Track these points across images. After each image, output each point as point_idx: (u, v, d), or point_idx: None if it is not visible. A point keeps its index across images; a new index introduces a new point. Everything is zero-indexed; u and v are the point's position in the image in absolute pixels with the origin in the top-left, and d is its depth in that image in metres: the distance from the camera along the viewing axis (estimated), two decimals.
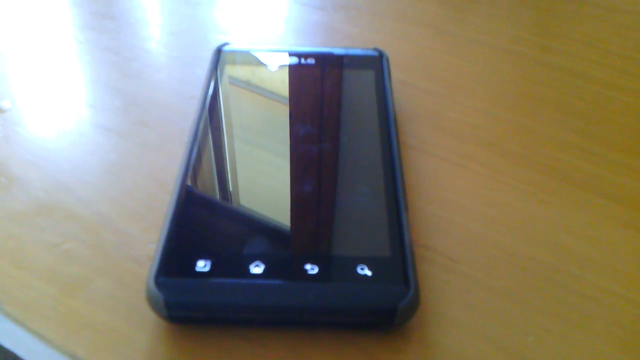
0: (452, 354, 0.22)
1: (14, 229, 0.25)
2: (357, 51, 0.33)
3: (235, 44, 0.33)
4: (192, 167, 0.25)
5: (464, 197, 0.28)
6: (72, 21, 0.39)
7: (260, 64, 0.32)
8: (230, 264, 0.21)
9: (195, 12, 0.40)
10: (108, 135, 0.30)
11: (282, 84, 0.30)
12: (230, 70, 0.31)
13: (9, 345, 0.21)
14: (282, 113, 0.29)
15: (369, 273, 0.21)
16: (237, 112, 0.29)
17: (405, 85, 0.34)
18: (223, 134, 0.27)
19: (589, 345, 0.22)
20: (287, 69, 0.31)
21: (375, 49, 0.33)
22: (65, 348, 0.21)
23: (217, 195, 0.25)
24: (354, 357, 0.21)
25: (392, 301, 0.21)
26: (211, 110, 0.28)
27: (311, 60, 0.32)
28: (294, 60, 0.32)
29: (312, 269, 0.21)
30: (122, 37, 0.38)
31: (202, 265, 0.21)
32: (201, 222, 0.23)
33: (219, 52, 0.32)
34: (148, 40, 0.37)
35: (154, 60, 0.36)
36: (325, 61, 0.32)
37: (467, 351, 0.22)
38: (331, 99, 0.29)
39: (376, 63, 0.32)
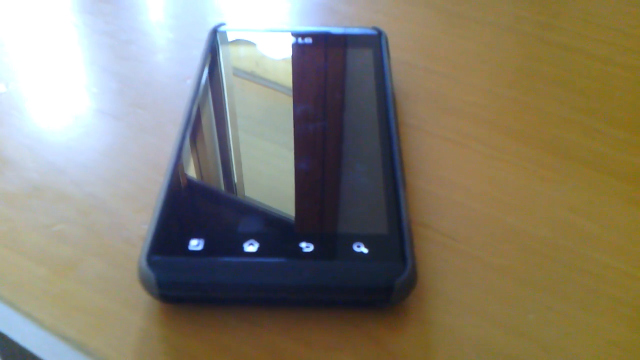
0: (450, 332, 0.21)
1: (6, 211, 0.25)
2: (355, 30, 0.32)
3: (231, 24, 0.33)
4: (186, 147, 0.25)
5: (465, 176, 0.27)
6: (69, 5, 0.38)
7: (256, 44, 0.31)
8: (223, 243, 0.21)
9: None
10: (103, 117, 0.30)
11: (278, 64, 0.30)
12: (225, 51, 0.31)
13: None
14: (278, 92, 0.28)
15: (365, 250, 0.21)
16: (230, 92, 0.28)
17: (406, 64, 0.34)
18: (216, 114, 0.27)
19: (592, 323, 0.22)
20: (283, 49, 0.31)
21: (374, 28, 0.32)
22: (56, 329, 0.21)
23: (210, 175, 0.24)
24: (351, 335, 0.21)
25: (388, 278, 0.20)
26: (205, 92, 0.28)
27: (308, 40, 0.31)
28: (291, 40, 0.31)
29: (307, 246, 0.21)
30: (118, 20, 0.37)
31: (195, 244, 0.21)
32: (194, 201, 0.23)
33: (214, 32, 0.32)
34: (144, 22, 0.37)
35: (150, 42, 0.35)
36: (322, 41, 0.31)
37: (467, 329, 0.21)
38: (328, 79, 0.29)
39: (375, 42, 0.31)
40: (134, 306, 0.22)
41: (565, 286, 0.23)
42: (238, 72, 0.29)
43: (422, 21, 0.38)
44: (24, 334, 0.21)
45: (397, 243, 0.21)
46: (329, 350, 0.20)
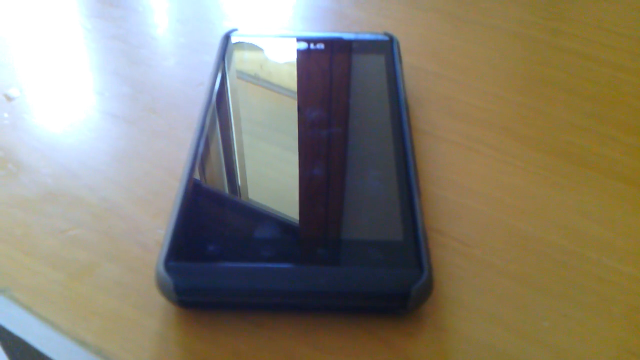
0: (466, 338, 0.21)
1: (22, 216, 0.25)
2: (367, 36, 0.32)
3: (244, 30, 0.33)
4: (201, 153, 0.25)
5: (477, 182, 0.27)
6: (79, 10, 0.38)
7: (268, 50, 0.31)
8: (240, 248, 0.21)
9: None
10: (116, 122, 0.30)
11: (291, 70, 0.30)
12: (238, 57, 0.31)
13: (16, 331, 0.21)
14: (292, 99, 0.28)
15: (381, 257, 0.21)
16: (244, 98, 0.28)
17: (416, 69, 0.34)
18: (231, 120, 0.27)
19: (606, 330, 0.22)
20: (296, 55, 0.31)
21: (386, 33, 0.32)
22: (73, 334, 0.21)
23: (227, 181, 0.24)
24: (366, 341, 0.21)
25: (405, 285, 0.20)
26: (219, 98, 0.28)
27: (320, 46, 0.32)
28: (303, 45, 0.32)
29: (323, 252, 0.21)
30: (129, 25, 0.37)
31: (212, 250, 0.21)
32: (211, 206, 0.23)
33: (227, 38, 0.32)
34: (155, 27, 0.37)
35: (161, 47, 0.35)
36: (334, 46, 0.32)
37: (482, 336, 0.21)
38: (341, 84, 0.29)
39: (386, 47, 0.31)
40: (150, 311, 0.22)
41: (580, 293, 0.23)
42: (250, 78, 0.30)
43: (432, 26, 0.38)
44: (41, 338, 0.21)
45: (413, 249, 0.21)
46: (345, 357, 0.21)
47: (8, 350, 0.27)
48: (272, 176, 0.24)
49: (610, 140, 0.30)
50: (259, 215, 0.23)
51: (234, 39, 0.32)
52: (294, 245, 0.21)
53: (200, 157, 0.25)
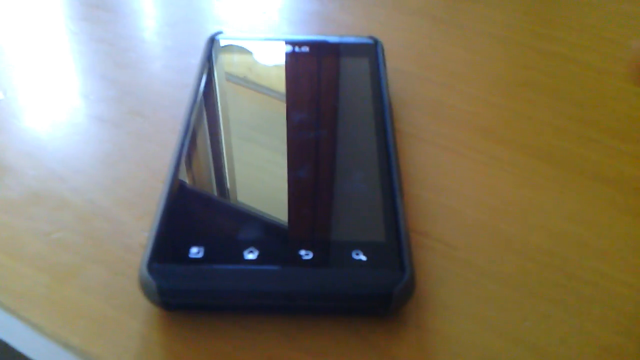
0: (449, 339, 0.21)
1: (7, 219, 0.25)
2: (352, 39, 0.33)
3: (229, 32, 0.33)
4: (185, 154, 0.25)
5: (461, 184, 0.27)
6: (66, 13, 0.38)
7: (253, 52, 0.32)
8: (224, 250, 0.21)
9: (190, 2, 0.40)
10: (102, 125, 0.30)
11: (275, 72, 0.30)
12: (223, 59, 0.31)
13: (0, 334, 0.21)
14: (276, 101, 0.28)
15: (364, 258, 0.21)
16: (229, 100, 0.28)
17: (401, 73, 0.34)
18: (215, 122, 0.27)
19: (587, 330, 0.22)
20: (280, 58, 0.31)
21: (370, 37, 0.33)
22: (58, 336, 0.21)
23: (210, 182, 0.24)
24: (350, 342, 0.21)
25: (387, 286, 0.20)
26: (203, 99, 0.28)
27: (305, 49, 0.32)
28: (288, 48, 0.32)
29: (306, 254, 0.21)
30: (116, 28, 0.37)
31: (196, 252, 0.21)
32: (194, 208, 0.23)
33: (212, 40, 0.32)
34: (142, 30, 0.37)
35: (148, 50, 0.35)
36: (319, 49, 0.32)
37: (464, 336, 0.22)
38: (325, 87, 0.29)
39: (371, 51, 0.32)
40: (135, 313, 0.22)
41: (561, 293, 0.23)
42: (236, 80, 0.30)
43: (418, 30, 0.38)
44: (26, 341, 0.21)
45: (395, 251, 0.21)
46: (329, 358, 0.21)
47: None
48: (255, 177, 0.25)
49: (593, 143, 0.30)
50: (242, 217, 0.23)
51: (219, 41, 0.32)
52: (277, 247, 0.21)
53: (184, 159, 0.25)
